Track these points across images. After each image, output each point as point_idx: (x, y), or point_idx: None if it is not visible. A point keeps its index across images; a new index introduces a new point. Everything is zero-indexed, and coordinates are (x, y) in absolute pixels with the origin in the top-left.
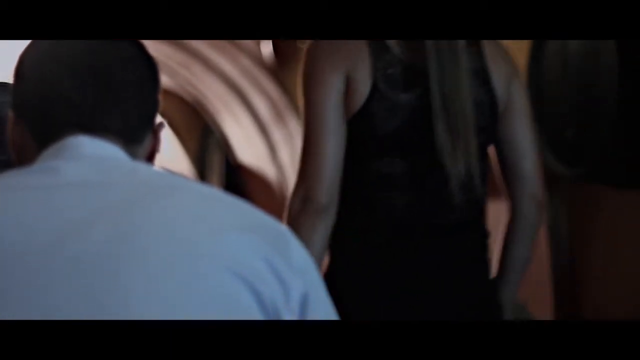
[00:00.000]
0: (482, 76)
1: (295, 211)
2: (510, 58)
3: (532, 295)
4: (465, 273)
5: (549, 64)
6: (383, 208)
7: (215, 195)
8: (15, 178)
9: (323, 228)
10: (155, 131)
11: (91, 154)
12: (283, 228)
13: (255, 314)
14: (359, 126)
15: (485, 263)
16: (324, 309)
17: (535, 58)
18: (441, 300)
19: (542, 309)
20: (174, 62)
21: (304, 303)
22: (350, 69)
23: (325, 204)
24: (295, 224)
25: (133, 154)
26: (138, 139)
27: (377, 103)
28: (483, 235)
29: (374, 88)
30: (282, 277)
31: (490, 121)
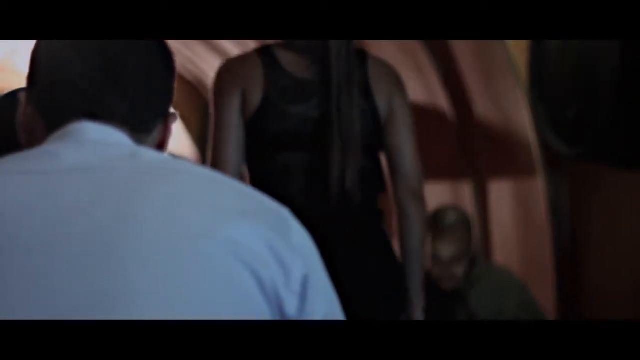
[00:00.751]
0: (365, 91)
1: None
2: (394, 77)
3: (534, 274)
4: (361, 254)
5: (550, 45)
6: (279, 195)
7: (216, 179)
8: (16, 162)
9: None
10: (166, 121)
11: (94, 139)
12: (283, 210)
13: (256, 297)
14: (255, 128)
15: (380, 246)
16: (324, 291)
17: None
18: (342, 280)
19: (543, 288)
20: (176, 42)
21: (304, 284)
22: (246, 85)
23: None
24: None
25: (140, 143)
26: (146, 129)
27: (268, 110)
28: (375, 222)
29: (265, 99)
30: (282, 259)
31: (373, 128)
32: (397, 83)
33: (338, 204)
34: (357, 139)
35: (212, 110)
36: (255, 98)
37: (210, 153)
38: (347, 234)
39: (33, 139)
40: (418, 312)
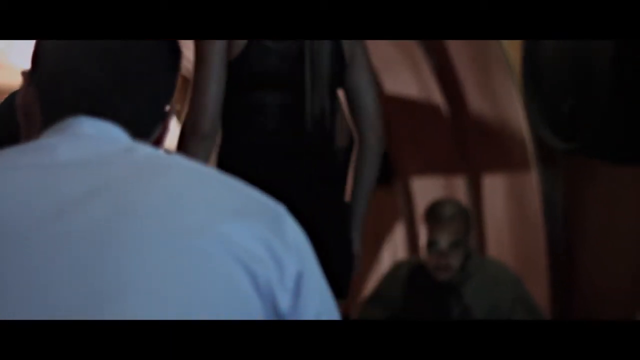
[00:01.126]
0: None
1: (184, 138)
2: None
3: (528, 270)
4: (322, 189)
5: (544, 40)
6: (255, 131)
7: (211, 176)
8: (12, 156)
9: (204, 151)
10: (165, 119)
11: (91, 134)
12: (278, 207)
13: (250, 294)
14: (238, 67)
15: (339, 182)
16: (318, 288)
17: None
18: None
19: (537, 283)
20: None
21: (298, 281)
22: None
23: (207, 133)
24: (183, 148)
25: (139, 140)
26: (147, 131)
27: (252, 50)
28: (335, 157)
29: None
30: (277, 256)
31: (339, 69)
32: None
33: (310, 139)
34: (326, 78)
35: (195, 48)
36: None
37: (191, 90)
38: (319, 168)
39: (30, 125)
40: (357, 243)
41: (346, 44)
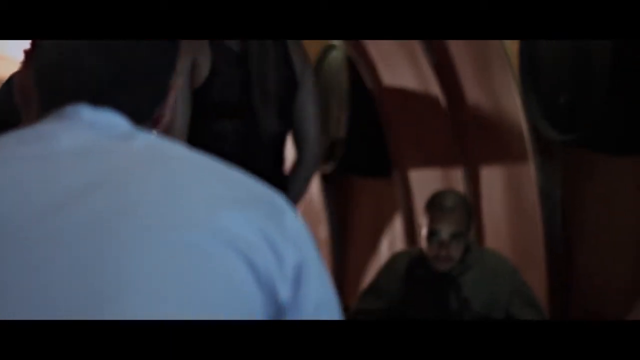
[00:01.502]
0: (285, 61)
1: None
2: (304, 53)
3: (525, 262)
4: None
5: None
6: (215, 157)
7: (210, 166)
8: (10, 146)
9: None
10: (163, 104)
11: (90, 121)
12: (278, 198)
13: (249, 285)
14: (201, 97)
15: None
16: (318, 279)
17: None
18: None
19: (535, 275)
20: None
21: (298, 272)
22: (196, 54)
23: None
24: None
25: (137, 126)
26: (145, 117)
27: (215, 79)
28: (284, 180)
29: (213, 68)
30: (276, 247)
31: (289, 92)
32: (308, 58)
33: (261, 163)
34: (274, 103)
35: None
36: (205, 67)
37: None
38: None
39: (28, 107)
40: None
41: (298, 67)
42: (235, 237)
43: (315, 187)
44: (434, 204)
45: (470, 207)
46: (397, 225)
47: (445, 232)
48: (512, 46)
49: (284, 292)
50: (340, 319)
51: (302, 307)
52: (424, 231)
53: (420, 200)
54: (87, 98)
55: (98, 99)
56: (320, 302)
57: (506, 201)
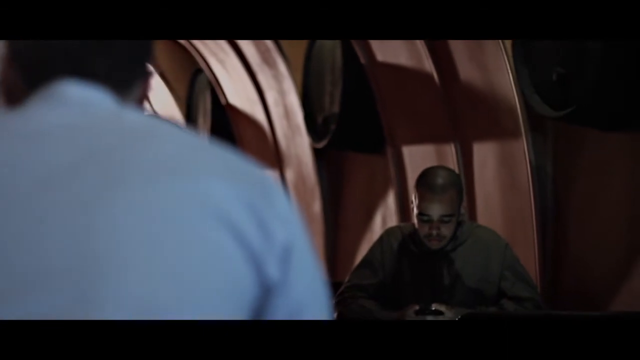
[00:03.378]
0: None
1: None
2: None
3: (517, 237)
4: None
5: None
6: None
7: (201, 143)
8: None
9: None
10: (145, 79)
11: (78, 99)
12: (267, 176)
13: (238, 260)
14: None
15: None
16: (308, 262)
17: None
18: None
19: (526, 250)
20: None
21: (287, 254)
22: None
23: None
24: None
25: (121, 100)
26: (127, 86)
27: None
28: None
29: None
30: (265, 223)
31: None
32: None
33: None
34: None
35: None
36: None
37: None
38: None
39: (14, 99)
40: None
41: None
42: (225, 211)
43: (308, 163)
44: (424, 184)
45: (461, 184)
46: (390, 201)
47: (435, 213)
48: None
49: (273, 270)
50: (329, 310)
51: (291, 291)
52: (415, 209)
53: (413, 176)
54: (69, 67)
55: (80, 66)
56: (309, 289)
57: (498, 176)
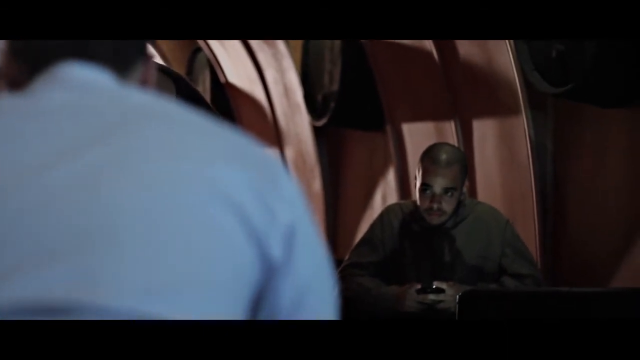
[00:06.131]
0: None
1: None
2: None
3: (517, 214)
4: None
5: None
6: None
7: (206, 124)
8: (2, 108)
9: None
10: (146, 63)
11: (80, 80)
12: (273, 159)
13: (240, 238)
14: None
15: None
16: (314, 248)
17: None
18: None
19: (526, 228)
20: None
21: (291, 234)
22: None
23: None
24: None
25: (122, 82)
26: (127, 67)
27: None
28: None
29: None
30: (270, 205)
31: None
32: None
33: None
34: None
35: None
36: None
37: None
38: None
39: (13, 84)
40: None
41: None
42: (229, 190)
43: (308, 141)
44: (429, 157)
45: (466, 162)
46: (390, 178)
47: (437, 186)
48: None
49: (276, 249)
50: (335, 290)
51: (295, 272)
52: (417, 183)
53: (413, 153)
54: (69, 48)
55: (80, 47)
56: (313, 273)
57: (498, 154)
